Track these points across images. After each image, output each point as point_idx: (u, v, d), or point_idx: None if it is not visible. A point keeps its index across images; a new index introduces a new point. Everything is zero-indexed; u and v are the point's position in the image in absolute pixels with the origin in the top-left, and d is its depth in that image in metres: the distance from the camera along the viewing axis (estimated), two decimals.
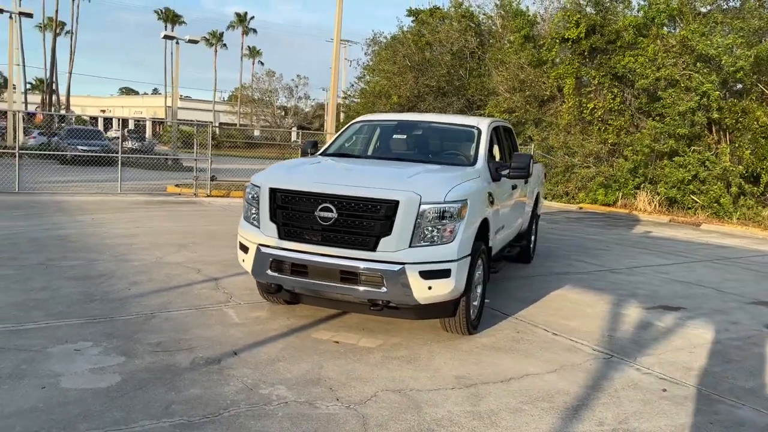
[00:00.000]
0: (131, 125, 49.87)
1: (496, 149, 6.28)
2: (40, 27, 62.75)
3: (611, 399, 3.90)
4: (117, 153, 15.15)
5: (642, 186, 17.33)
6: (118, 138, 17.41)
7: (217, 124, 56.56)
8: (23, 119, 27.62)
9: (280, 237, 4.55)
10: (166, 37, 27.93)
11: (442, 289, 4.34)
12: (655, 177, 17.17)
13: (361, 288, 4.32)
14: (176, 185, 15.97)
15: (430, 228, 4.32)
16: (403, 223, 4.25)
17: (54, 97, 58.93)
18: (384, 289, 4.28)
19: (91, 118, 54.21)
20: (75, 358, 4.00)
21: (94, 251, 7.37)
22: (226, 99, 77.55)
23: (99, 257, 7.04)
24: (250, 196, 4.84)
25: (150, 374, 3.82)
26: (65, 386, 3.58)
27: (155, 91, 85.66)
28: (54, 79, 55.66)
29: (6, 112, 26.59)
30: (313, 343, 4.59)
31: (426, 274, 4.27)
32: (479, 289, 5.16)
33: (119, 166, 14.65)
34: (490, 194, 5.18)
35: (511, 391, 3.92)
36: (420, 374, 4.09)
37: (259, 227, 4.66)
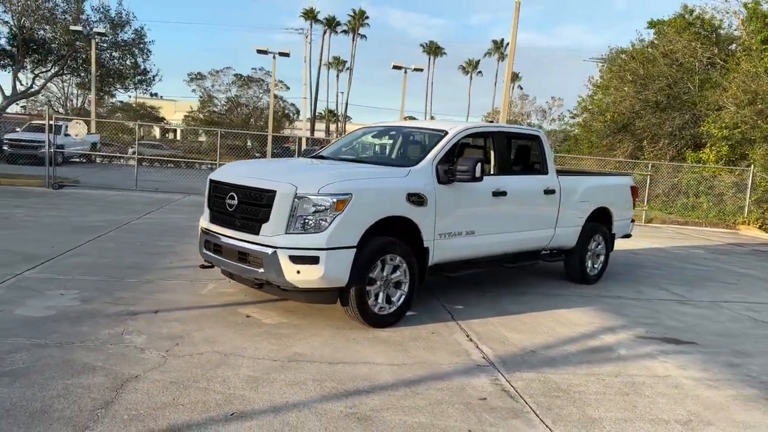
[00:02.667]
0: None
1: (476, 154, 6.19)
2: (327, 65, 73.02)
3: (409, 394, 3.87)
4: None
5: None
6: None
7: None
8: (307, 143, 32.59)
9: (210, 220, 5.41)
10: (395, 67, 30.59)
11: (310, 275, 4.71)
12: None
13: (249, 267, 4.93)
14: None
15: (303, 217, 4.74)
16: (279, 211, 4.76)
17: (336, 125, 68.57)
18: (262, 270, 4.83)
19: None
20: (49, 299, 5.37)
21: None
22: None
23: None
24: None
25: (77, 315, 4.98)
26: (17, 312, 4.92)
27: (432, 118, 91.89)
28: (335, 109, 64.33)
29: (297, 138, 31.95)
30: (228, 314, 5.30)
31: (295, 259, 4.70)
32: (404, 287, 5.29)
33: None
34: (416, 195, 5.26)
35: (316, 371, 4.15)
36: (266, 347, 4.54)
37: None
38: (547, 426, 3.56)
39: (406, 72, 31.13)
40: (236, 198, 5.07)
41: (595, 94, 28.92)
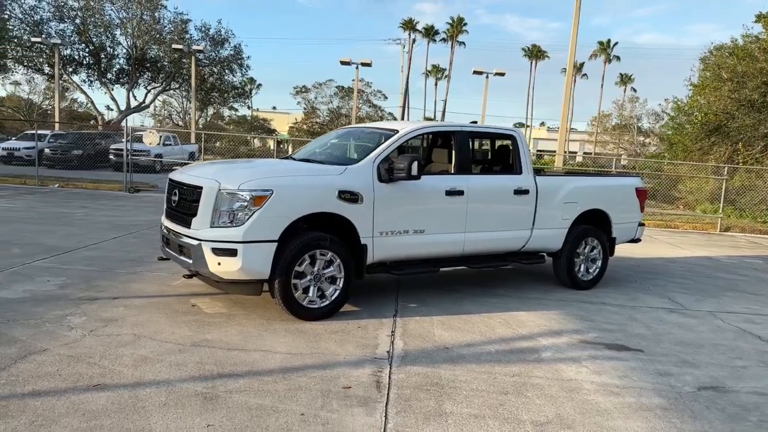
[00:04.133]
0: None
1: (433, 154, 6.20)
2: (426, 74, 73.59)
3: (278, 380, 4.04)
4: None
5: None
6: None
7: (581, 154, 57.38)
8: None
9: (164, 216, 5.87)
10: (475, 72, 30.35)
11: (230, 266, 5.00)
12: None
13: (184, 259, 5.32)
14: None
15: (225, 211, 5.04)
16: (205, 205, 5.10)
17: None
18: (191, 261, 5.19)
19: None
20: (34, 284, 6.05)
21: None
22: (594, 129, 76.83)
23: None
24: None
25: (45, 298, 5.60)
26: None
27: (542, 124, 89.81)
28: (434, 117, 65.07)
29: None
30: (177, 303, 5.71)
31: (216, 251, 5.01)
32: (339, 282, 5.45)
33: None
34: (348, 192, 5.39)
35: (207, 355, 4.41)
36: (182, 332, 4.87)
37: None
38: (386, 415, 3.59)
39: (488, 77, 30.79)
40: (177, 194, 5.49)
41: (693, 94, 27.04)
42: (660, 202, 19.85)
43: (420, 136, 6.26)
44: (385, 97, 60.22)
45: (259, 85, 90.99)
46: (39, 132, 28.24)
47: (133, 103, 36.41)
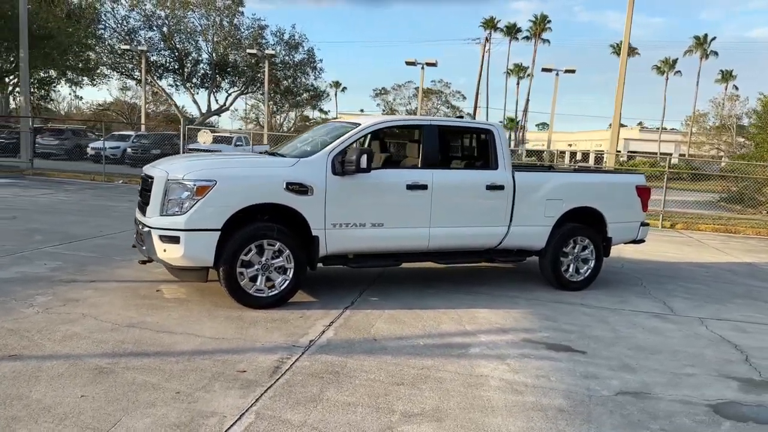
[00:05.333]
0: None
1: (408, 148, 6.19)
2: (507, 73, 72.31)
3: (180, 360, 4.22)
4: None
5: None
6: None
7: (676, 156, 54.83)
8: None
9: (138, 207, 6.21)
10: (544, 69, 29.53)
11: (173, 253, 5.25)
12: None
13: (142, 246, 5.62)
14: None
15: (172, 200, 5.29)
16: (155, 195, 5.38)
17: (519, 134, 68.44)
18: (145, 247, 5.49)
19: (535, 151, 60.04)
20: (30, 267, 6.59)
21: None
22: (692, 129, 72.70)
23: None
24: None
25: (30, 279, 6.09)
26: None
27: (640, 124, 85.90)
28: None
29: None
30: (144, 289, 6.03)
31: (162, 238, 5.28)
32: (289, 273, 5.57)
33: None
34: (297, 184, 5.49)
35: (131, 335, 4.66)
36: (127, 314, 5.15)
37: None
38: (258, 398, 3.66)
39: (557, 74, 29.85)
40: (141, 185, 5.81)
41: None
42: (746, 207, 18.56)
43: (384, 130, 6.24)
44: (464, 98, 59.77)
45: (344, 88, 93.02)
46: (125, 133, 30.41)
47: (214, 106, 38.25)
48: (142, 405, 3.49)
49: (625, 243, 7.69)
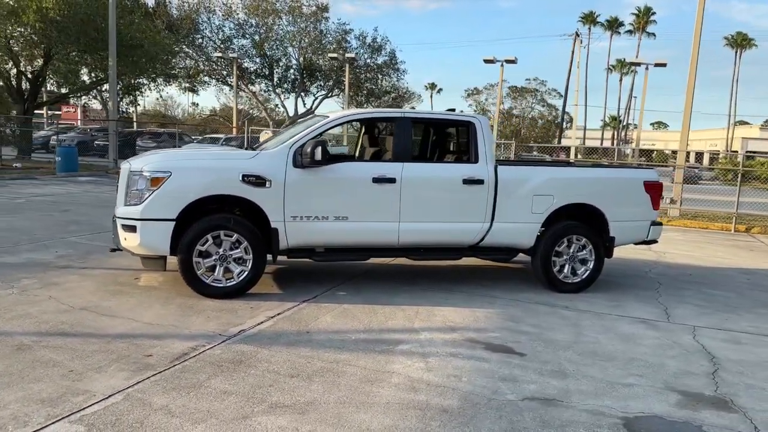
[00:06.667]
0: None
1: (365, 140, 6.09)
2: (608, 69, 68.94)
3: (102, 342, 4.41)
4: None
5: None
6: None
7: None
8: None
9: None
10: (632, 63, 27.86)
11: (132, 242, 5.49)
12: None
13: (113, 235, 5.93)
14: None
15: (133, 191, 5.54)
16: (122, 186, 5.66)
17: (624, 133, 65.48)
18: (113, 236, 5.79)
19: (643, 151, 56.82)
20: (42, 253, 7.14)
21: None
22: None
23: None
24: None
25: (33, 264, 6.59)
26: (3, 261, 6.77)
27: (766, 122, 79.48)
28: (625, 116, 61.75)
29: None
30: (126, 277, 6.34)
31: (124, 227, 5.54)
32: (247, 264, 5.67)
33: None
34: (253, 176, 5.56)
35: (74, 318, 4.91)
36: (90, 299, 5.44)
37: None
38: (140, 381, 3.74)
39: (647, 68, 28.09)
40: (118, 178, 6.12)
41: None
42: None
43: (352, 122, 6.17)
44: (560, 95, 57.45)
45: (440, 89, 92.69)
46: (215, 136, 32.14)
47: (301, 110, 39.51)
48: (27, 380, 3.67)
49: (635, 244, 7.11)
